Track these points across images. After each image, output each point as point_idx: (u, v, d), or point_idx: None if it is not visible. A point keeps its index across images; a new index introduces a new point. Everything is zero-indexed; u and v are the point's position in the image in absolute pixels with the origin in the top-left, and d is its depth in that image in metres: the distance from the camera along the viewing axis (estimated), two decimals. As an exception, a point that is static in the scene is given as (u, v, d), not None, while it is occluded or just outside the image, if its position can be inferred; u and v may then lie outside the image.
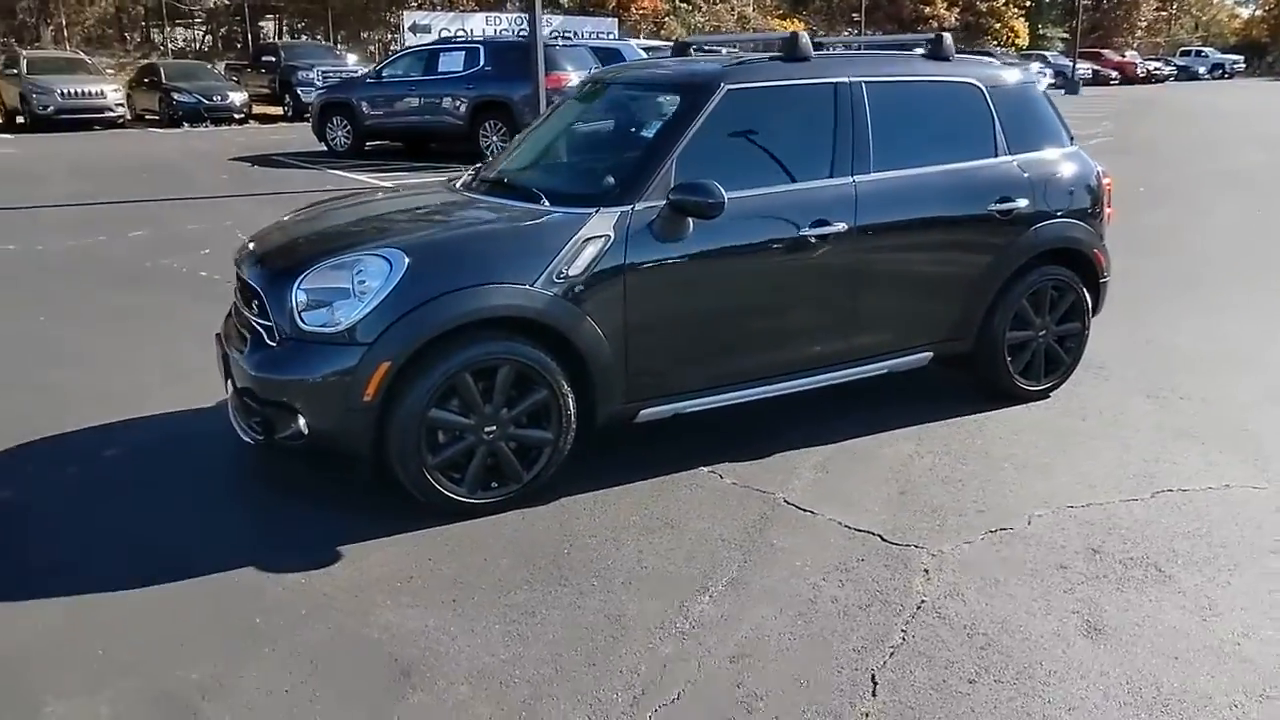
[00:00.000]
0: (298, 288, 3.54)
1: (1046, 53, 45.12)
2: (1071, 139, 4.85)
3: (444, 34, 30.07)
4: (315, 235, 3.95)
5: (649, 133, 4.04)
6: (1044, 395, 4.82)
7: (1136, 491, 3.84)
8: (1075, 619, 3.00)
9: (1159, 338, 5.91)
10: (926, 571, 3.28)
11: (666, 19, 35.92)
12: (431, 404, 3.51)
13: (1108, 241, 4.90)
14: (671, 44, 4.39)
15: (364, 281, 3.48)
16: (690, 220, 3.78)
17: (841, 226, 4.07)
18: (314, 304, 3.53)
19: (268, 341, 3.64)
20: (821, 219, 4.04)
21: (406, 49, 20.21)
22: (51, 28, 30.86)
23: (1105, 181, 4.84)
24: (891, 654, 2.84)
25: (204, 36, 33.80)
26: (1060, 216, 4.59)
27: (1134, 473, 4.01)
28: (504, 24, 32.33)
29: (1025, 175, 4.52)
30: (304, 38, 34.17)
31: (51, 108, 21.33)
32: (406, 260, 3.50)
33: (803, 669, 2.78)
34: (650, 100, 4.16)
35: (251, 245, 4.06)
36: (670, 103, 4.05)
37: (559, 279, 3.61)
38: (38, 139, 19.88)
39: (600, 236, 3.69)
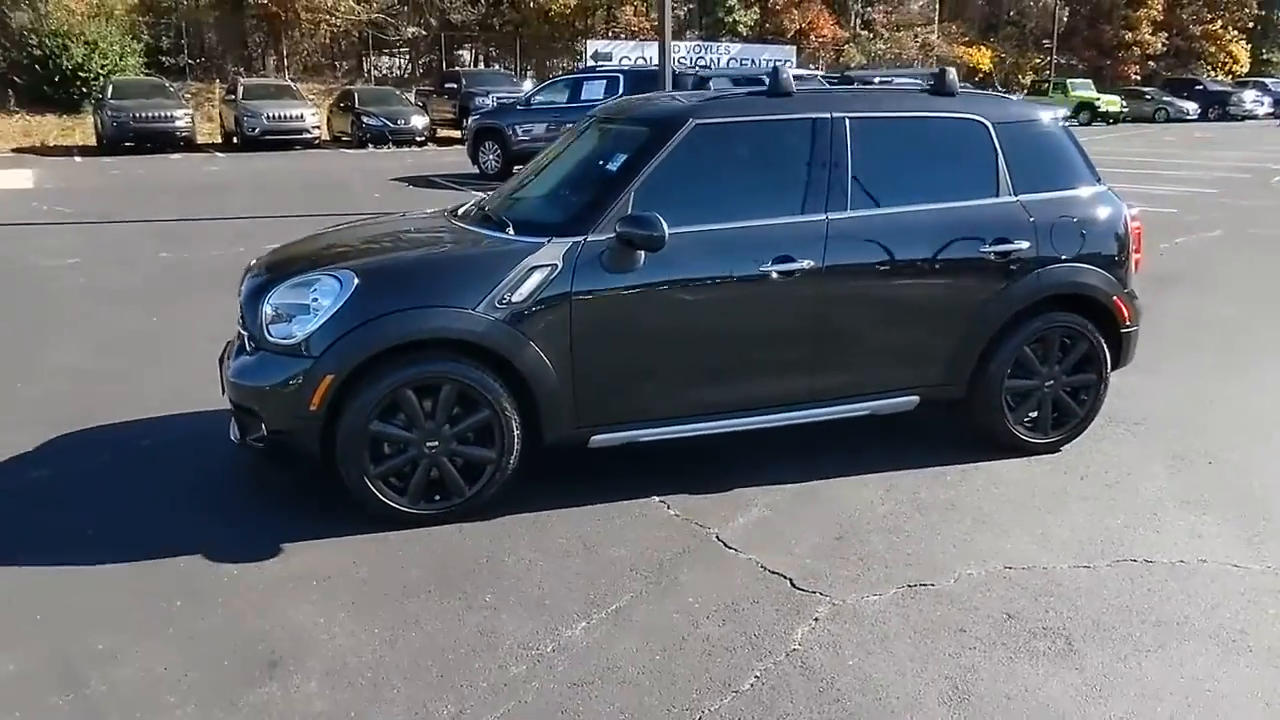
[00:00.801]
0: (266, 302, 3.85)
1: (1267, 79, 41.36)
2: (1099, 180, 4.56)
3: (624, 62, 31.00)
4: (298, 254, 4.25)
5: (615, 166, 4.12)
6: (1053, 449, 4.54)
7: (1094, 558, 3.58)
8: (944, 685, 2.85)
9: (1226, 394, 5.42)
10: (816, 620, 3.19)
11: (846, 46, 35.50)
12: (374, 416, 3.71)
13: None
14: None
15: (317, 299, 3.74)
16: (641, 253, 3.83)
17: (808, 264, 4.01)
18: (279, 318, 3.81)
19: (245, 351, 3.97)
20: (786, 256, 4.00)
21: (554, 78, 20.95)
22: (274, 57, 33.85)
23: (1134, 226, 4.53)
24: (732, 698, 2.80)
25: (406, 64, 36.16)
26: (1068, 260, 4.33)
27: (1103, 538, 3.73)
28: (682, 51, 32.91)
29: (1029, 217, 4.29)
30: (496, 66, 35.95)
31: (258, 129, 23.43)
32: (356, 280, 3.74)
33: (636, 702, 2.78)
34: (630, 135, 4.24)
35: (253, 263, 4.42)
36: (642, 137, 4.12)
37: (501, 304, 3.75)
38: (242, 157, 21.88)
39: (547, 265, 3.80)
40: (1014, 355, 4.35)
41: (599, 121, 4.68)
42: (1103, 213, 4.48)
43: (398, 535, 3.79)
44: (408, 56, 36.15)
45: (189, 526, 3.88)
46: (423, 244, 4.25)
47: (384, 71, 35.56)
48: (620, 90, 15.13)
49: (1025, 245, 4.26)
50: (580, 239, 3.86)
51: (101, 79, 25.89)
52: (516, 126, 16.24)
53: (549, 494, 4.08)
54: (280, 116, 23.62)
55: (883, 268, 4.16)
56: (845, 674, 2.90)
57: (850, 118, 4.16)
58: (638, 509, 4.01)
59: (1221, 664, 2.94)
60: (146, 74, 27.92)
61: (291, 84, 27.38)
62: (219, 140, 25.87)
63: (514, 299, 3.76)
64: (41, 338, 6.80)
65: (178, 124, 23.07)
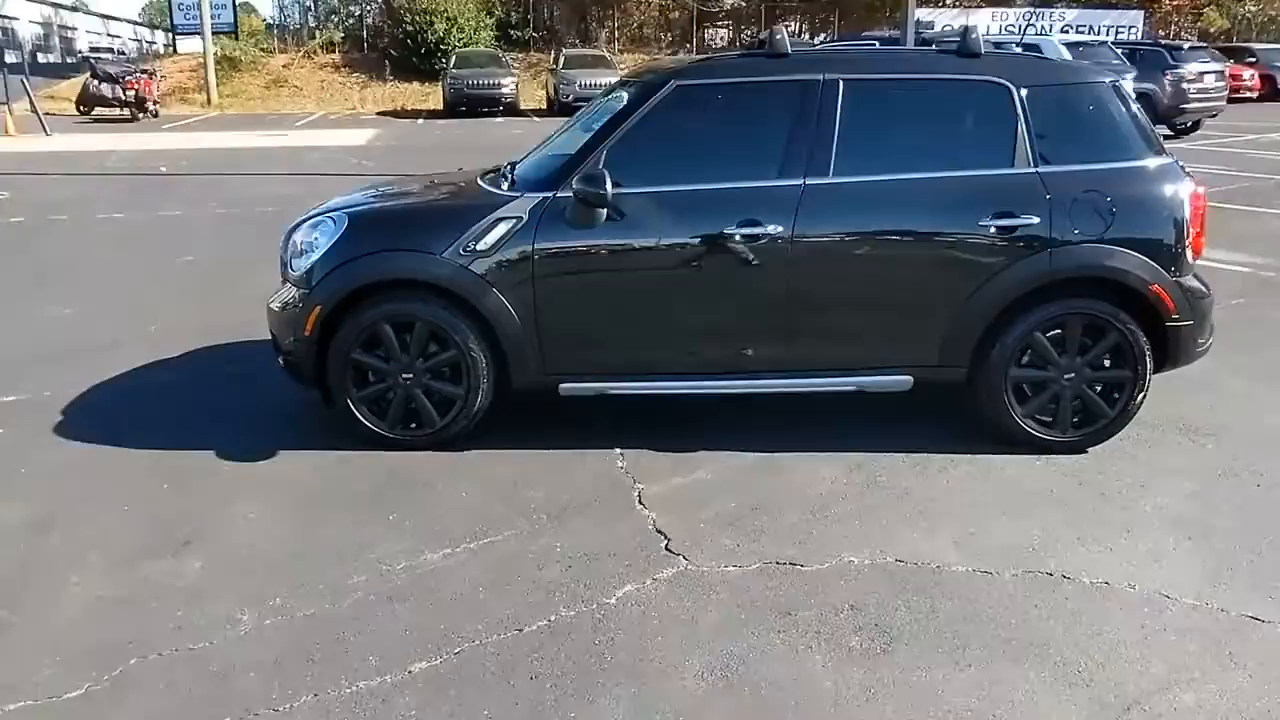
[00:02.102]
0: (291, 240, 4.38)
1: None
2: (1158, 152, 3.95)
3: (946, 29, 29.48)
4: (336, 202, 4.74)
5: (599, 126, 4.19)
6: (1076, 449, 4.04)
7: (1006, 566, 3.21)
8: (717, 660, 2.75)
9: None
10: (653, 581, 3.18)
11: (1206, 10, 31.16)
12: (356, 346, 4.12)
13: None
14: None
15: (318, 237, 4.21)
16: (601, 210, 3.91)
17: (775, 229, 3.88)
18: (298, 253, 4.33)
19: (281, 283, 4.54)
20: (752, 220, 3.89)
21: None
22: (605, 30, 35.80)
23: (1195, 206, 3.88)
24: (512, 635, 2.89)
25: (729, 36, 36.79)
26: (1092, 241, 3.81)
27: (1038, 547, 3.33)
28: (1010, 19, 30.71)
29: (1045, 190, 3.82)
30: (821, 36, 35.54)
31: (571, 96, 25.05)
32: (346, 223, 4.16)
33: (428, 623, 2.95)
34: (621, 96, 4.29)
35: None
36: (628, 97, 4.17)
37: (466, 251, 4.00)
38: (550, 122, 23.51)
39: (512, 217, 3.99)
40: (1023, 341, 3.93)
41: (620, 83, 4.76)
42: (1151, 189, 3.89)
43: (371, 455, 4.16)
44: (729, 28, 36.74)
45: (227, 428, 4.50)
46: (425, 195, 4.59)
47: (708, 42, 36.38)
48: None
49: (1035, 221, 3.81)
50: (549, 194, 4.00)
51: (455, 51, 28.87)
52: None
53: (527, 436, 4.30)
54: (590, 85, 24.96)
55: (861, 237, 3.92)
56: (630, 632, 2.89)
57: (845, 80, 3.93)
58: (591, 459, 4.12)
59: (1040, 693, 2.59)
60: (496, 47, 30.68)
61: (606, 55, 28.89)
62: (544, 106, 27.94)
63: (479, 247, 4.00)
64: (252, 268, 7.94)
65: (503, 90, 25.33)
